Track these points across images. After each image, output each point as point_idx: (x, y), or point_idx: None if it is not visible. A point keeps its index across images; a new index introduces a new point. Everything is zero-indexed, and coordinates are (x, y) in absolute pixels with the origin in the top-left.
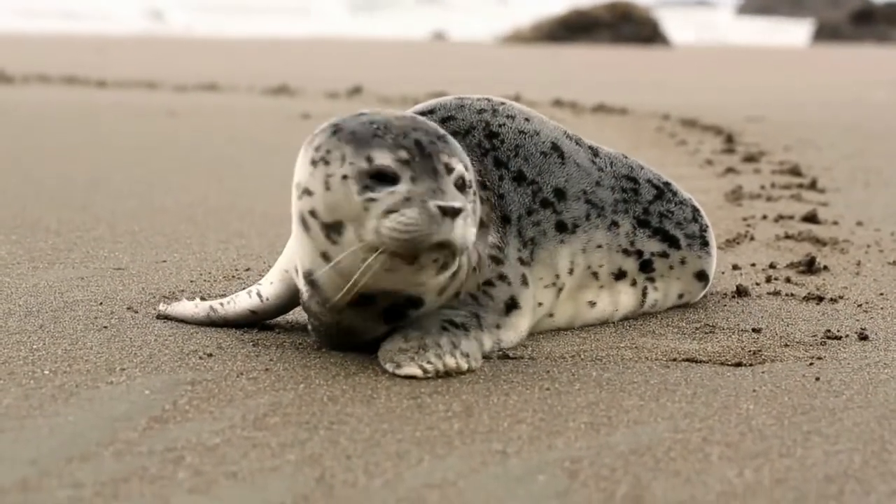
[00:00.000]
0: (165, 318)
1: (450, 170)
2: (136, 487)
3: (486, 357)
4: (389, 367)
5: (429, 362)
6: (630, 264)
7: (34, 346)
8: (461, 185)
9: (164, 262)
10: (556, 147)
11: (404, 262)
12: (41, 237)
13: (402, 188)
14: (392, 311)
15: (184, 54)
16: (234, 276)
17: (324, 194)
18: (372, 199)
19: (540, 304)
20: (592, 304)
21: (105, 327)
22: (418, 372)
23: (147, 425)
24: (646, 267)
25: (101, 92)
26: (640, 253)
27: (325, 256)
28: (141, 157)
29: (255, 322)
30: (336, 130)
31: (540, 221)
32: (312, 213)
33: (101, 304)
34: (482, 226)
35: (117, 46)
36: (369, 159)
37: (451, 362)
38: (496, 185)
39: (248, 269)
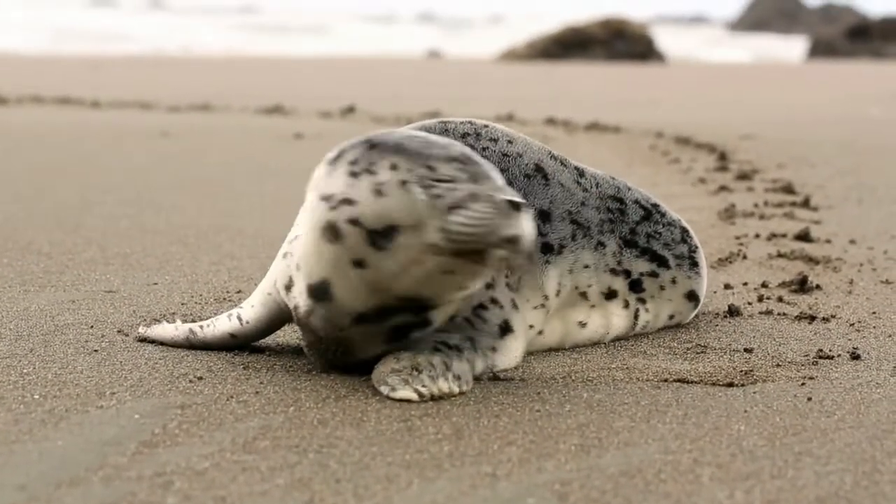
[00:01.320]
0: (145, 340)
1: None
2: None
3: (477, 379)
4: (384, 389)
5: (423, 385)
6: (619, 283)
7: (24, 371)
8: None
9: (156, 284)
10: (539, 169)
11: (472, 262)
12: (32, 260)
13: (465, 186)
14: (398, 331)
15: (178, 74)
16: (224, 299)
17: (374, 201)
18: (437, 196)
19: (531, 326)
20: (583, 324)
21: (95, 351)
22: (413, 396)
23: (136, 450)
24: (636, 287)
25: (94, 112)
26: (627, 273)
27: (360, 264)
28: (133, 178)
29: (235, 346)
30: (374, 145)
31: None
32: (353, 222)
33: (91, 327)
34: None
35: (111, 66)
36: (430, 167)
37: (443, 386)
38: None
39: (239, 292)
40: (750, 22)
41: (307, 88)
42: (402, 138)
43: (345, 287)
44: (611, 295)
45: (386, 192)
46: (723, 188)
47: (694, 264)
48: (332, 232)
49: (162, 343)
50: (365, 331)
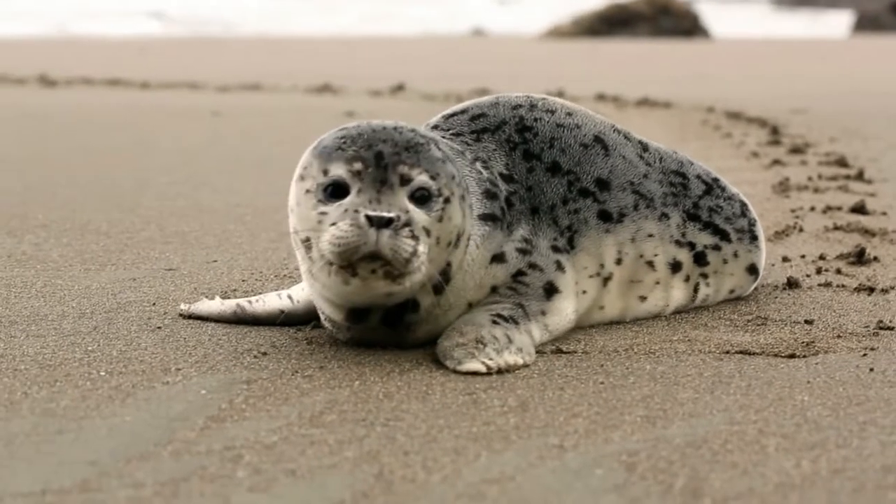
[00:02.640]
0: (190, 317)
1: (406, 181)
2: (196, 487)
3: (540, 351)
4: (450, 363)
5: (489, 358)
6: (684, 255)
7: (89, 348)
8: (422, 197)
9: (215, 261)
10: (599, 139)
11: (349, 275)
12: (92, 239)
13: (347, 200)
14: (390, 319)
15: (224, 54)
16: (285, 276)
17: (297, 210)
18: (323, 213)
19: (584, 291)
20: (643, 298)
21: (159, 328)
22: (480, 368)
23: (204, 424)
24: (700, 259)
25: (144, 93)
26: (692, 245)
27: (311, 274)
28: (186, 157)
29: (284, 322)
30: (315, 145)
31: (579, 210)
32: (294, 231)
33: (153, 304)
34: (494, 220)
35: (159, 47)
36: (325, 172)
37: (509, 358)
38: (524, 177)
39: (298, 268)
40: None
41: (354, 67)
42: (330, 135)
43: (314, 296)
44: (676, 266)
45: (301, 200)
46: (776, 162)
47: (754, 238)
48: (294, 243)
49: (207, 319)
50: (361, 327)
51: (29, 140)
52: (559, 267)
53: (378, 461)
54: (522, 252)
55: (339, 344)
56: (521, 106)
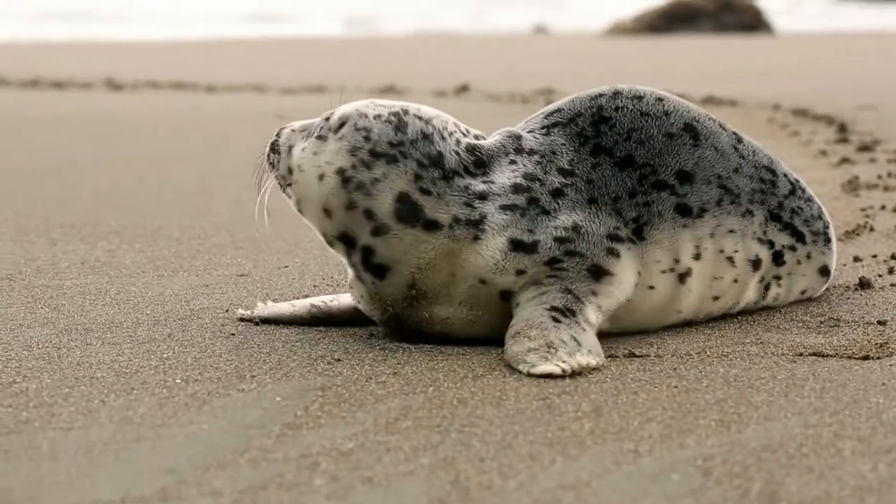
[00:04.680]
0: (266, 321)
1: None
2: (274, 495)
3: (612, 355)
4: (523, 367)
5: (563, 361)
6: (765, 253)
7: (164, 355)
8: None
9: (287, 267)
10: (689, 128)
11: None
12: (164, 245)
13: None
14: (366, 266)
15: (287, 56)
16: None
17: None
18: None
19: (651, 287)
20: (716, 298)
21: (232, 334)
22: (555, 370)
23: (280, 432)
24: (776, 259)
25: (209, 96)
26: (771, 243)
27: None
28: (253, 161)
29: (360, 320)
30: None
31: (650, 203)
32: None
33: (226, 311)
34: (514, 209)
35: (222, 50)
36: None
37: (582, 360)
38: (586, 172)
39: None
40: None
41: (417, 67)
42: None
43: None
44: (756, 264)
45: None
46: (845, 160)
47: (827, 240)
48: None
49: (278, 321)
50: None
51: (97, 144)
52: (611, 253)
53: (454, 468)
54: (560, 240)
55: (411, 349)
56: (602, 95)
